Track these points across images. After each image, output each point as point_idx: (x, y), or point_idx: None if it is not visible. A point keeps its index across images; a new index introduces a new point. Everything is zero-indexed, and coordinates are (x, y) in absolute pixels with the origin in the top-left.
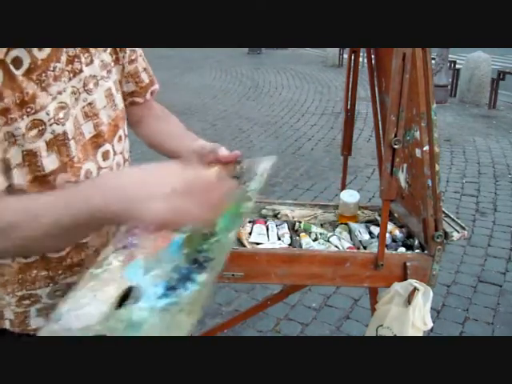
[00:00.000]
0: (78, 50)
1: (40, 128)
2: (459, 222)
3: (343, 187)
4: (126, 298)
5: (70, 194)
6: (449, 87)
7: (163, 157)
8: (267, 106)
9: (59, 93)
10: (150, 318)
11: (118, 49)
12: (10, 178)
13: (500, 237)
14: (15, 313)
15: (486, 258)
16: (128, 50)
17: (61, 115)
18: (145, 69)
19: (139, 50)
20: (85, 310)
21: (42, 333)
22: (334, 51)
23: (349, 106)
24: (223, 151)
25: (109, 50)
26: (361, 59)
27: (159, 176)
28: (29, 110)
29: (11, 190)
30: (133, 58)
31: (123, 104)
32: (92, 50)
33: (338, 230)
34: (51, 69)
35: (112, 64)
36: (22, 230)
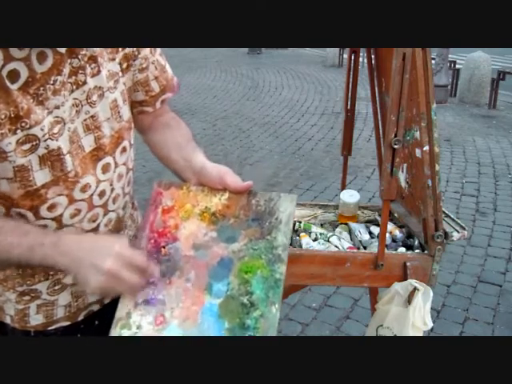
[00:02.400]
0: (83, 61)
1: (34, 143)
2: (459, 222)
3: (343, 187)
4: None
5: (37, 243)
6: (449, 87)
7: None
8: (267, 106)
9: (57, 107)
10: None
11: (129, 56)
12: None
13: (500, 237)
14: (16, 309)
15: (486, 258)
16: (139, 57)
17: (55, 130)
18: (156, 77)
19: (152, 58)
20: None
21: None
22: (334, 51)
23: (349, 106)
24: (232, 177)
25: (118, 59)
26: (361, 59)
27: (102, 249)
28: (23, 124)
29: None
30: (144, 66)
31: (130, 114)
32: (100, 59)
33: (337, 229)
34: (51, 82)
35: (120, 74)
36: None
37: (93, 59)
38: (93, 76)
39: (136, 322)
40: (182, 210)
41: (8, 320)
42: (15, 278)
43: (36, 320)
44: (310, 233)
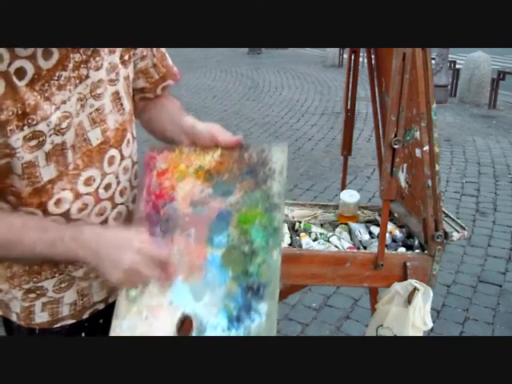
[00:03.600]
0: (86, 55)
1: (40, 139)
2: (459, 222)
3: (343, 187)
4: (182, 324)
5: (58, 238)
6: (449, 87)
7: None
8: (267, 106)
9: (63, 102)
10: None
11: (130, 48)
12: (11, 180)
13: (500, 237)
14: (22, 306)
15: (486, 258)
16: None
17: (63, 125)
18: (154, 64)
19: None
20: None
21: None
22: (334, 51)
23: (349, 106)
24: (222, 134)
25: (118, 51)
26: (361, 59)
27: (121, 245)
28: (30, 121)
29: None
30: (144, 53)
31: (131, 106)
32: (102, 53)
33: (338, 230)
34: (55, 78)
35: (120, 66)
36: (11, 251)
37: (96, 53)
38: (97, 69)
39: None
40: (176, 171)
41: (14, 317)
42: (22, 275)
43: (41, 318)
44: (310, 233)
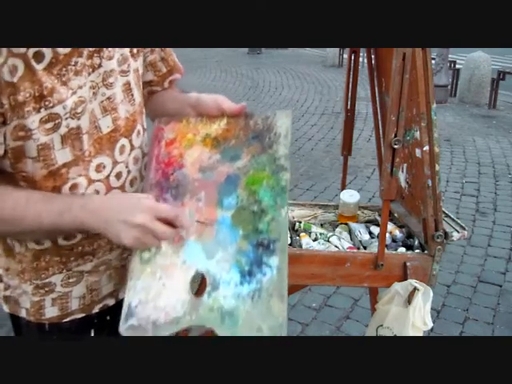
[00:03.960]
0: None
1: (56, 122)
2: (459, 222)
3: (343, 187)
4: (195, 282)
5: (65, 207)
6: (449, 87)
7: None
8: (267, 106)
9: (80, 87)
10: (241, 305)
11: None
12: (24, 165)
13: (500, 237)
14: (32, 301)
15: (486, 258)
16: None
17: (79, 109)
18: (162, 58)
19: None
20: (162, 301)
21: (123, 332)
22: (334, 51)
23: (349, 106)
24: (227, 102)
25: None
26: (361, 59)
27: (132, 206)
28: (46, 103)
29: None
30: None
31: (141, 98)
32: None
33: (338, 230)
34: (72, 63)
35: (130, 58)
36: (18, 225)
37: None
38: (110, 59)
39: None
40: (184, 140)
41: (23, 313)
42: (30, 271)
43: (51, 312)
44: (310, 233)
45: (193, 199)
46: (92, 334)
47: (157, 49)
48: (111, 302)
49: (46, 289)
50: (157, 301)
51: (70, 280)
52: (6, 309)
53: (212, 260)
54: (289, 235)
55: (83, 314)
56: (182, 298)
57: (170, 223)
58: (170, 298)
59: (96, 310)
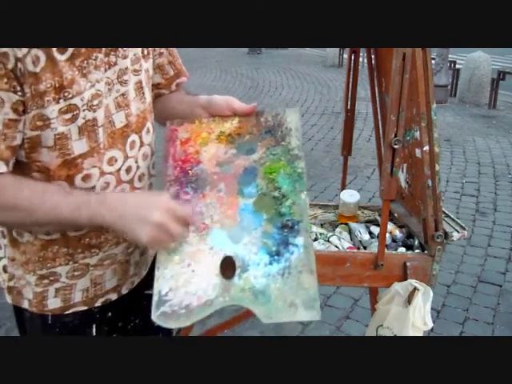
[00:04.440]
0: None
1: (74, 113)
2: (459, 222)
3: (343, 187)
4: (225, 267)
5: (83, 201)
6: (449, 87)
7: None
8: (267, 106)
9: (97, 81)
10: (272, 283)
11: None
12: (39, 155)
13: (500, 237)
14: (34, 292)
15: (486, 258)
16: None
17: (95, 102)
18: (170, 62)
19: None
20: (193, 287)
21: (155, 319)
22: (334, 51)
23: (349, 106)
24: (238, 102)
25: None
26: (361, 59)
27: (149, 204)
28: (66, 94)
29: (35, 167)
30: (161, 51)
31: (151, 98)
32: None
33: (338, 230)
34: (93, 58)
35: (142, 59)
36: (34, 214)
37: None
38: (124, 58)
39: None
40: (198, 138)
41: (26, 304)
42: (36, 261)
43: (54, 303)
44: (310, 233)
45: (213, 190)
46: (93, 329)
47: (165, 52)
48: (114, 296)
49: (51, 278)
50: (188, 286)
51: (76, 273)
52: (9, 300)
53: (239, 244)
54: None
55: (85, 307)
56: (212, 282)
57: (184, 222)
58: (201, 282)
59: (98, 303)
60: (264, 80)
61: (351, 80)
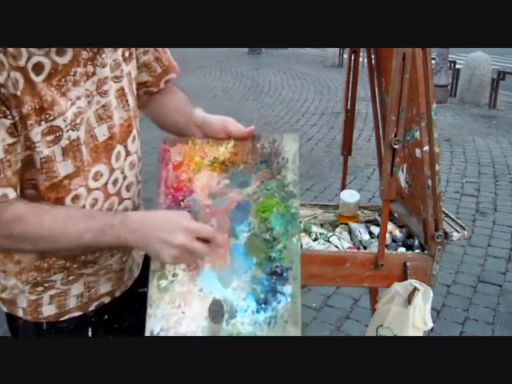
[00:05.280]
0: (93, 52)
1: (57, 134)
2: (459, 221)
3: (343, 187)
4: (213, 310)
5: (107, 225)
6: (449, 87)
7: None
8: (267, 106)
9: (78, 98)
10: (258, 331)
11: None
12: (32, 174)
13: (500, 237)
14: (28, 300)
15: (486, 258)
16: None
17: (78, 120)
18: (156, 58)
19: None
20: (183, 328)
21: None
22: (334, 51)
23: (349, 106)
24: (234, 125)
25: (120, 49)
26: (361, 59)
27: (171, 226)
28: (47, 116)
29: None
30: (146, 48)
31: (135, 103)
32: (106, 50)
33: (338, 230)
34: (72, 74)
35: (123, 63)
36: (58, 242)
37: (102, 50)
38: (104, 66)
39: (171, 271)
40: (191, 163)
41: (20, 313)
42: (30, 270)
43: (48, 310)
44: (310, 233)
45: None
46: (89, 333)
47: (150, 49)
48: (107, 299)
49: (46, 285)
50: (178, 328)
51: (70, 278)
52: (3, 308)
53: (228, 288)
54: (300, 260)
55: (80, 313)
56: (201, 325)
57: (206, 241)
58: (191, 325)
59: (92, 307)
60: (264, 80)
61: (351, 80)
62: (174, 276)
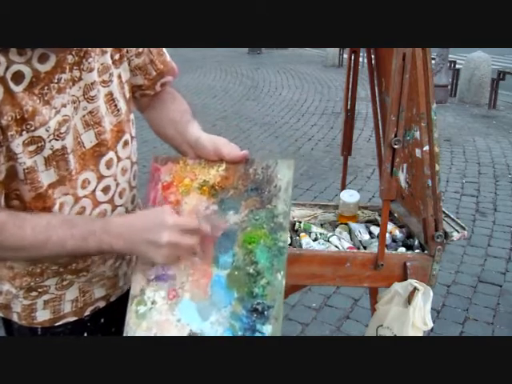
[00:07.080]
0: (78, 56)
1: (39, 144)
2: (459, 222)
3: (343, 187)
4: None
5: (89, 232)
6: (449, 87)
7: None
8: (267, 106)
9: (63, 105)
10: None
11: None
12: (16, 184)
13: (500, 237)
14: (23, 305)
15: (486, 258)
16: None
17: (63, 129)
18: (151, 61)
19: None
20: None
21: None
22: (333, 51)
23: (349, 106)
24: (227, 148)
25: (109, 51)
26: (361, 59)
27: (155, 225)
28: (28, 126)
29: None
30: (140, 50)
31: (127, 107)
32: (93, 54)
33: (337, 230)
34: (55, 81)
35: (112, 66)
36: (40, 251)
37: (88, 54)
38: (91, 71)
39: (150, 297)
40: (181, 185)
41: (15, 317)
42: (24, 275)
43: (43, 315)
44: (310, 233)
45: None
46: None
47: (145, 51)
48: (102, 304)
49: (40, 290)
50: None
51: (64, 283)
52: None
53: (206, 322)
54: (283, 298)
55: (75, 318)
56: None
57: (194, 232)
58: None
59: (87, 312)
60: (264, 80)
61: (351, 80)
62: (152, 303)
